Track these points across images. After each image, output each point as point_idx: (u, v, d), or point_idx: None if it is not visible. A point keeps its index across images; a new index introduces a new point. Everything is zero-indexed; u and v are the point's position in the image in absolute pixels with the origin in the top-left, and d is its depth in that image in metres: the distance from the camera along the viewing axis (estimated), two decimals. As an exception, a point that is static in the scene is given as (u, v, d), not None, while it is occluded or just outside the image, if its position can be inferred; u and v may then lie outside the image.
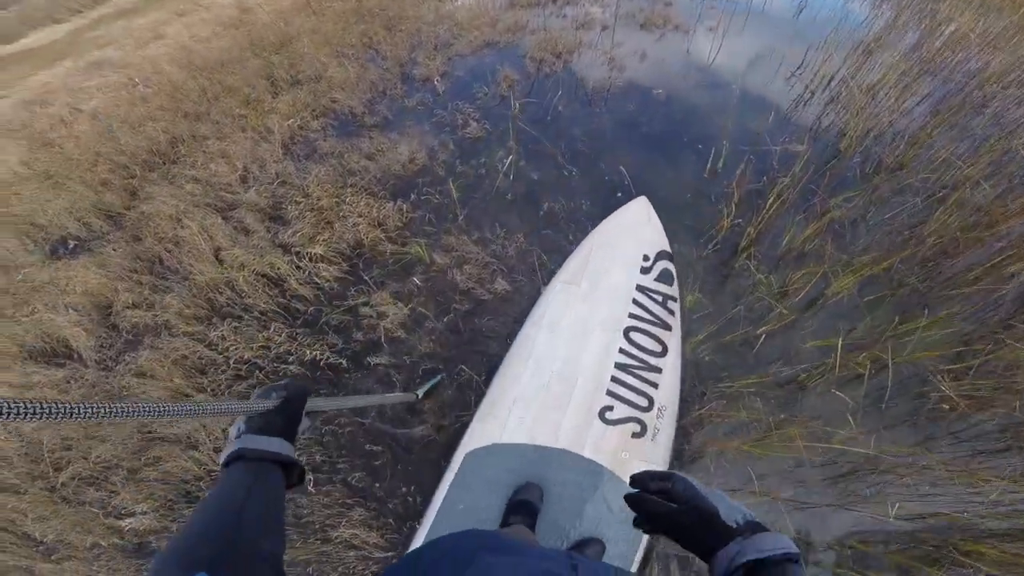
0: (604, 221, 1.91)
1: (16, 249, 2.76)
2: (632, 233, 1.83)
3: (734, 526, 0.50)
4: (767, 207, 2.18)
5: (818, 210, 2.31)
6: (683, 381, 1.66)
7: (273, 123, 2.89)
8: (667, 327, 1.63)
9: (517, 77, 3.14)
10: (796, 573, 0.46)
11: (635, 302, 1.63)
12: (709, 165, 2.53)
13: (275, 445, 0.59)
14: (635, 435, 1.44)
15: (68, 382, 2.10)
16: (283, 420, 0.63)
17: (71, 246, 2.82)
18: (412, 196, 2.51)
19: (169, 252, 2.45)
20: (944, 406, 1.71)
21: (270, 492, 0.54)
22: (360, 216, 2.38)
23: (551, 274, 1.99)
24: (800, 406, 1.75)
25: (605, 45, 3.54)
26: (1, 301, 2.47)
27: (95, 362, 2.16)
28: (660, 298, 1.68)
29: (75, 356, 2.20)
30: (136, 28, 5.22)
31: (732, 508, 0.52)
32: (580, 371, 1.50)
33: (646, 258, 1.75)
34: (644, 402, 1.46)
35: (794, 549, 0.47)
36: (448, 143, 2.74)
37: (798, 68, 3.62)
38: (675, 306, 1.67)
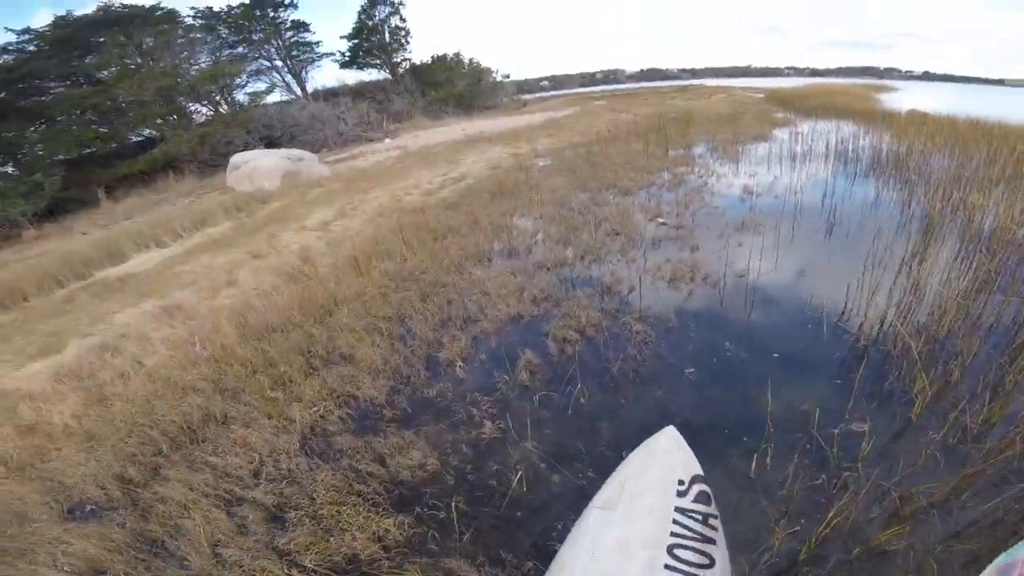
0: (635, 451, 2.03)
1: (37, 503, 2.92)
2: (664, 460, 1.93)
3: None
4: (830, 515, 2.00)
5: (897, 503, 2.09)
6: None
7: (295, 412, 3.11)
8: (711, 541, 1.65)
9: (539, 362, 3.30)
10: None
11: (675, 522, 1.67)
12: (755, 461, 2.39)
13: None
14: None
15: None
16: None
17: (87, 509, 2.97)
18: (416, 509, 2.48)
19: (172, 537, 2.52)
20: None
21: None
22: (359, 529, 2.36)
23: None
24: None
25: (631, 312, 3.72)
26: (6, 547, 2.57)
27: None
28: (700, 517, 1.73)
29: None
30: (216, 267, 6.22)
31: None
32: None
33: (681, 482, 1.83)
34: None
35: None
36: (461, 446, 2.79)
37: (841, 315, 3.57)
38: (716, 523, 1.72)
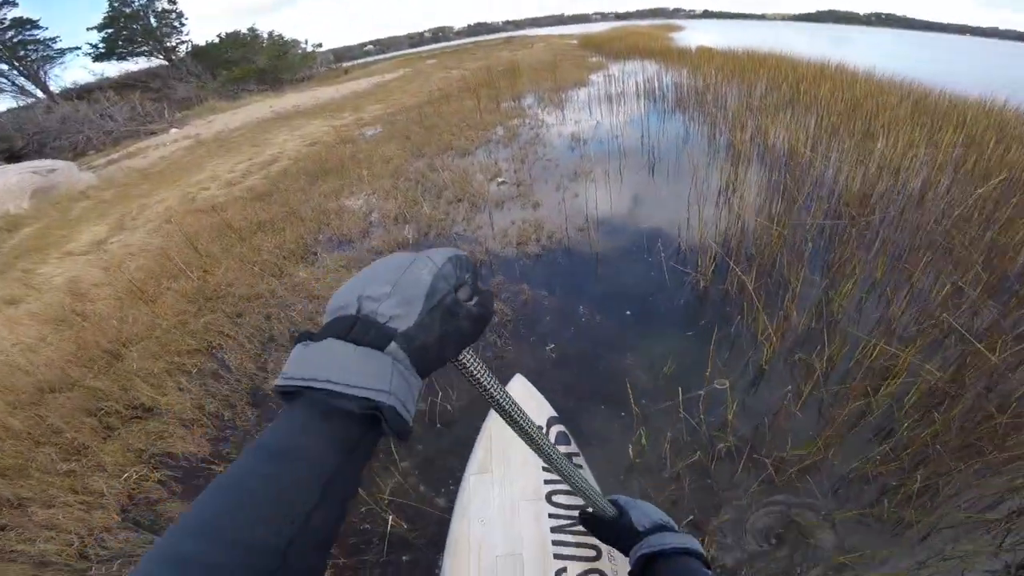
0: (492, 410, 1.95)
1: None
2: None
3: (640, 529, 0.71)
4: (715, 499, 2.07)
5: (772, 473, 2.13)
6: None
7: (102, 484, 2.53)
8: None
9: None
10: (686, 564, 0.65)
11: (544, 468, 1.78)
12: (632, 445, 2.32)
13: (413, 386, 0.38)
14: (598, 584, 1.55)
15: None
16: (439, 341, 0.39)
17: None
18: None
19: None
20: None
21: (355, 478, 0.36)
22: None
23: None
24: None
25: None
26: None
27: None
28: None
29: None
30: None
31: (643, 515, 0.74)
32: (523, 547, 1.61)
33: (540, 428, 1.82)
34: (592, 552, 1.57)
35: (690, 545, 0.67)
36: (316, 488, 2.43)
37: (678, 257, 3.72)
38: (581, 460, 1.84)
